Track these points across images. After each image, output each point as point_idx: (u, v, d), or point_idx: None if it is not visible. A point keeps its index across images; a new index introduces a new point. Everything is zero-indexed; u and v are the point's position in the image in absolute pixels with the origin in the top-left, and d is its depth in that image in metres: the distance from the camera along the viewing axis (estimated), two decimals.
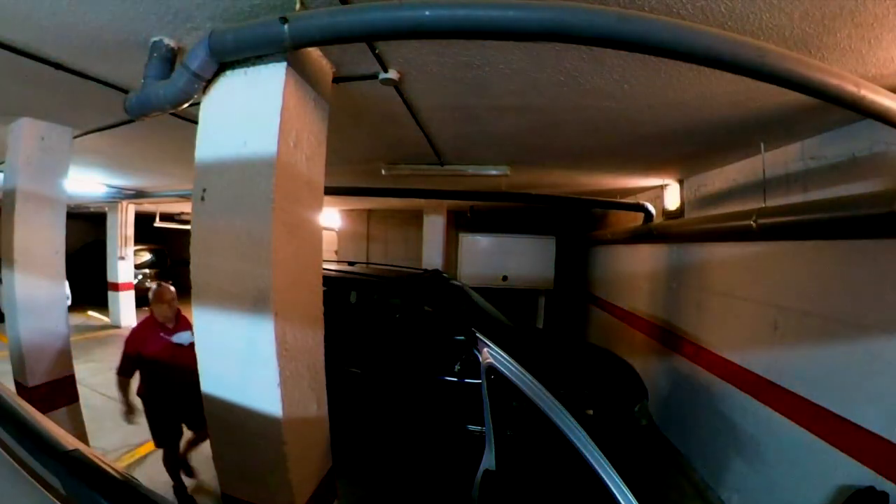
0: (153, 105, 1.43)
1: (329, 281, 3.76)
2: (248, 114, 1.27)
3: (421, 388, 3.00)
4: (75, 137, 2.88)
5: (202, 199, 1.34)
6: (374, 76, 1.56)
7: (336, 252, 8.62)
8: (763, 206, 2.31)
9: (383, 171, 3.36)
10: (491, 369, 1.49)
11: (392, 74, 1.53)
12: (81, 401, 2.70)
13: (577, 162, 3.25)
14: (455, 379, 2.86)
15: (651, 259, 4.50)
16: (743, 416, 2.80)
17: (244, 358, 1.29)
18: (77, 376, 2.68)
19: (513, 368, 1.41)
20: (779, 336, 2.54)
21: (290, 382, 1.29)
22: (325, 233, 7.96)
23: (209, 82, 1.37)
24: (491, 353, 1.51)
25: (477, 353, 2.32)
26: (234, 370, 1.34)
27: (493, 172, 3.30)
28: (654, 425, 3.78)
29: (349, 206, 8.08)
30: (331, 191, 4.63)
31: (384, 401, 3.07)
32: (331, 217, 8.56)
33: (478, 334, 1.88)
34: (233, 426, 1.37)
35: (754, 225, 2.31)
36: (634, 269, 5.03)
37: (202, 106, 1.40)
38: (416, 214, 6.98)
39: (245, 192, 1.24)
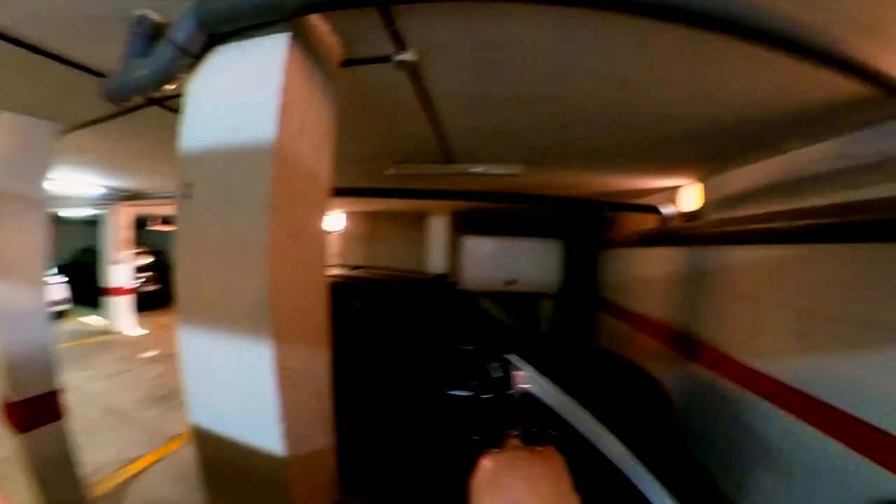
0: (132, 87, 1.25)
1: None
2: (242, 94, 1.09)
3: (425, 403, 2.78)
4: (62, 134, 2.72)
5: (188, 196, 1.16)
6: (388, 59, 1.38)
7: (338, 255, 8.43)
8: (792, 207, 2.20)
9: (392, 171, 3.18)
10: (527, 396, 1.30)
11: (410, 55, 1.35)
12: (75, 411, 2.48)
13: (595, 161, 3.07)
14: (468, 393, 2.66)
15: (668, 262, 4.32)
16: (769, 427, 2.64)
17: (239, 387, 1.10)
18: (72, 384, 2.46)
19: (553, 395, 1.22)
20: (808, 343, 2.38)
21: (293, 415, 1.09)
22: (329, 234, 7.78)
23: (198, 58, 1.18)
24: (526, 377, 1.32)
25: (489, 369, 2.12)
26: (227, 400, 1.15)
27: (505, 172, 3.12)
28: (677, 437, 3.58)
29: (352, 208, 7.90)
30: (333, 192, 4.45)
31: (388, 415, 2.86)
32: (334, 218, 8.37)
33: (510, 359, 1.67)
34: (229, 466, 1.18)
35: (783, 227, 2.24)
36: (649, 273, 4.84)
37: (189, 87, 1.22)
38: (420, 217, 6.80)
39: (237, 187, 1.05)
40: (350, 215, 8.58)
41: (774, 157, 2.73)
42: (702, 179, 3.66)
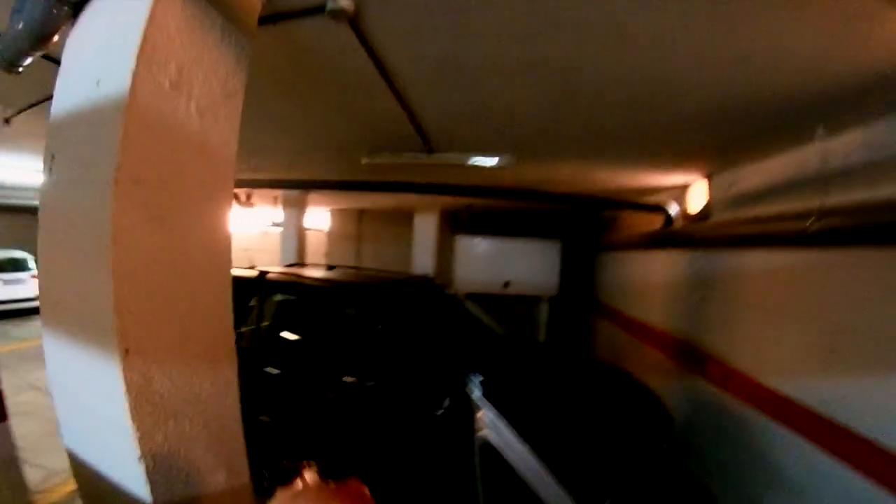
0: (13, 47, 1.06)
1: (290, 288, 3.33)
2: (108, 42, 0.85)
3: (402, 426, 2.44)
4: (8, 118, 2.54)
5: (50, 170, 0.93)
6: (319, 9, 1.13)
7: (325, 254, 8.18)
8: (821, 205, 1.94)
9: (365, 161, 2.93)
10: (487, 446, 1.04)
11: (342, 3, 1.10)
12: (37, 413, 2.24)
13: (593, 152, 2.80)
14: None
15: (672, 266, 4.04)
16: (784, 453, 2.37)
17: (95, 412, 0.87)
18: (40, 383, 2.22)
19: (517, 448, 0.97)
20: (837, 362, 2.10)
21: (165, 452, 0.84)
22: (313, 233, 7.53)
23: (76, 7, 0.96)
24: (489, 421, 1.06)
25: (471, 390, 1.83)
26: (90, 427, 0.93)
27: (493, 163, 2.85)
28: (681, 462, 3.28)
29: (336, 206, 7.63)
30: (304, 185, 4.20)
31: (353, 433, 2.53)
32: (320, 217, 8.15)
33: (474, 391, 1.40)
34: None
35: (809, 228, 1.97)
36: (652, 278, 4.56)
37: (66, 42, 1.00)
38: (409, 215, 6.51)
39: (91, 156, 0.81)
40: (335, 213, 8.33)
41: (794, 150, 2.45)
42: (711, 175, 3.38)
